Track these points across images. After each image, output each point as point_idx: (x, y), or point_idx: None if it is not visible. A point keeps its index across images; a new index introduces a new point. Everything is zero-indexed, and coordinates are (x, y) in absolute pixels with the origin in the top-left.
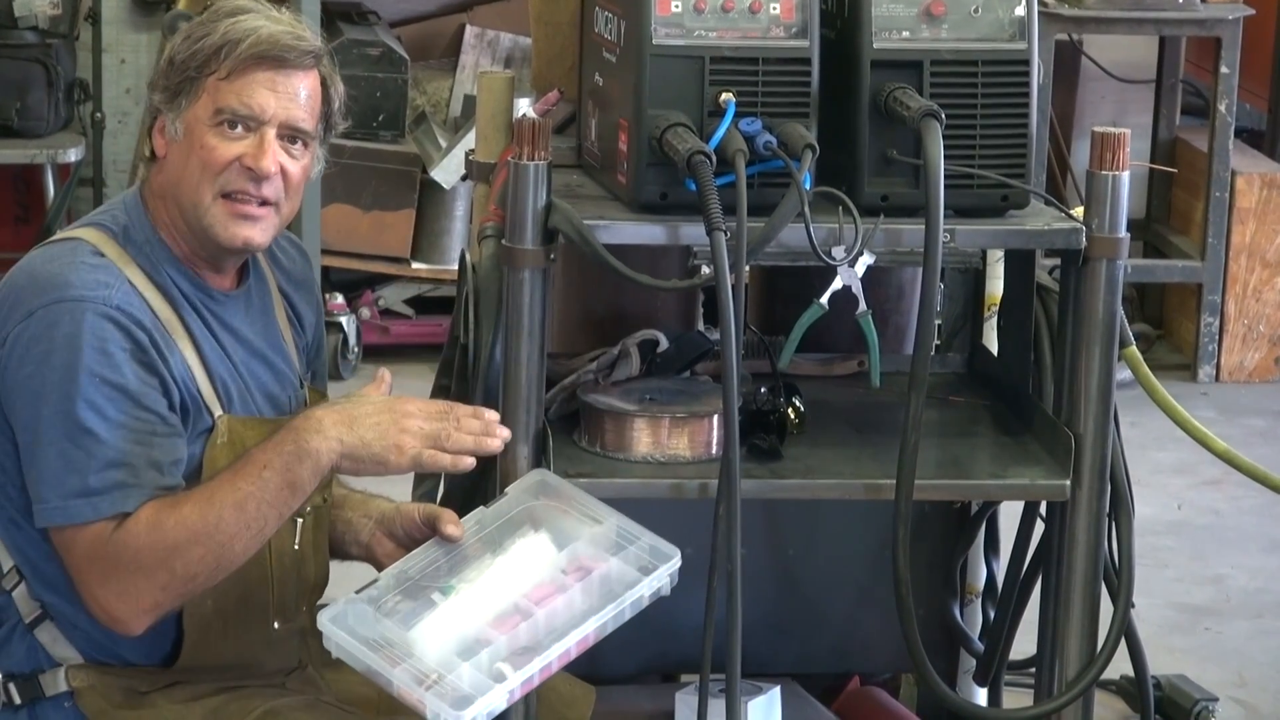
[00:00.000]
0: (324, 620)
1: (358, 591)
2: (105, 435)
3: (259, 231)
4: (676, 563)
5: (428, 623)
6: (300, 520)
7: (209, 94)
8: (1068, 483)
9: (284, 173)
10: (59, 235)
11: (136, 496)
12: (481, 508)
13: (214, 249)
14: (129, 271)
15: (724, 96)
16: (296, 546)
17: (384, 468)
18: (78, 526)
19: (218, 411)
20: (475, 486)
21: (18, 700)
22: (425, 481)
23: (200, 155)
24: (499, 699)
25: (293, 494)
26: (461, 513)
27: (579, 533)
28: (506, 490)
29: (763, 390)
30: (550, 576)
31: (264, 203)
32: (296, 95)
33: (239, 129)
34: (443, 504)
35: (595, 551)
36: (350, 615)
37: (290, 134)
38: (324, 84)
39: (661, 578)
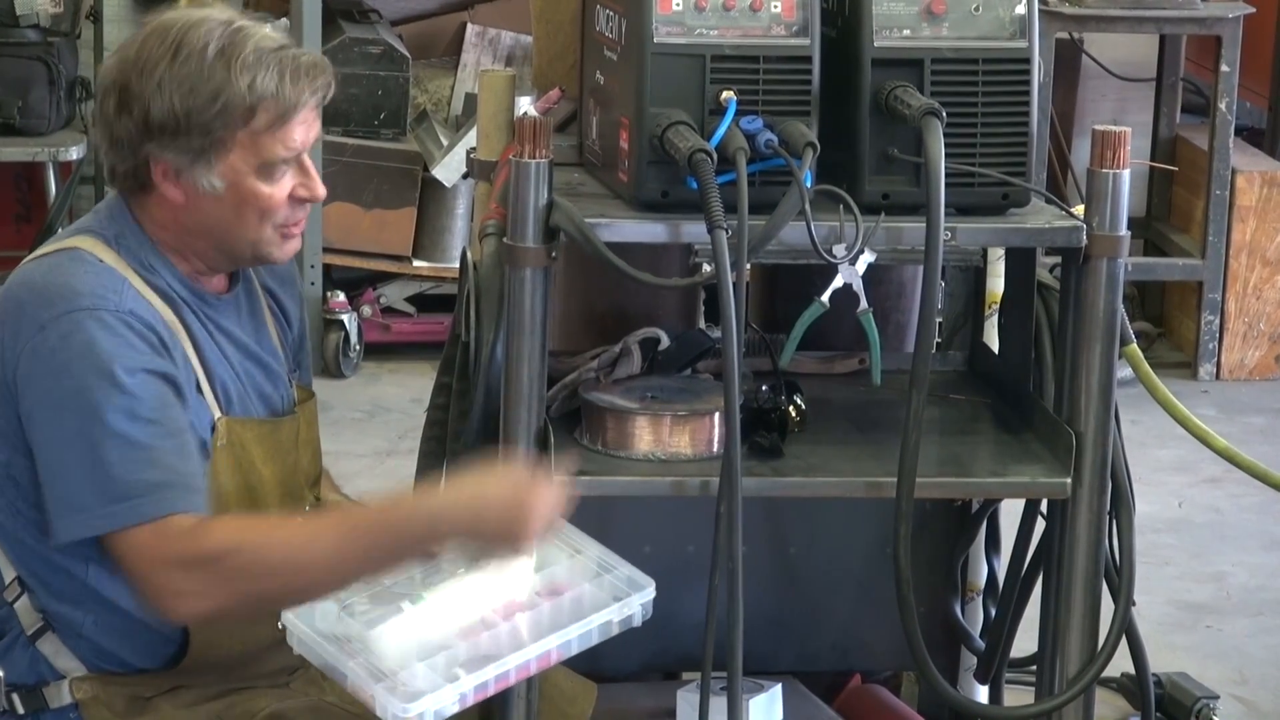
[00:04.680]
0: (288, 615)
1: None
2: (141, 437)
3: (300, 239)
4: (650, 593)
5: (391, 625)
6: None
7: (245, 148)
8: (1068, 480)
9: None
10: (51, 247)
11: (187, 497)
12: None
13: (248, 264)
14: (128, 275)
15: (725, 95)
16: None
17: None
18: (136, 527)
19: (216, 414)
20: None
21: (21, 710)
22: (427, 480)
23: (256, 205)
24: (449, 698)
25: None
26: None
27: (557, 559)
28: None
29: (764, 388)
30: (521, 595)
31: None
32: (318, 113)
33: (283, 167)
34: None
35: (571, 577)
36: (316, 612)
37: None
38: None
39: (633, 605)
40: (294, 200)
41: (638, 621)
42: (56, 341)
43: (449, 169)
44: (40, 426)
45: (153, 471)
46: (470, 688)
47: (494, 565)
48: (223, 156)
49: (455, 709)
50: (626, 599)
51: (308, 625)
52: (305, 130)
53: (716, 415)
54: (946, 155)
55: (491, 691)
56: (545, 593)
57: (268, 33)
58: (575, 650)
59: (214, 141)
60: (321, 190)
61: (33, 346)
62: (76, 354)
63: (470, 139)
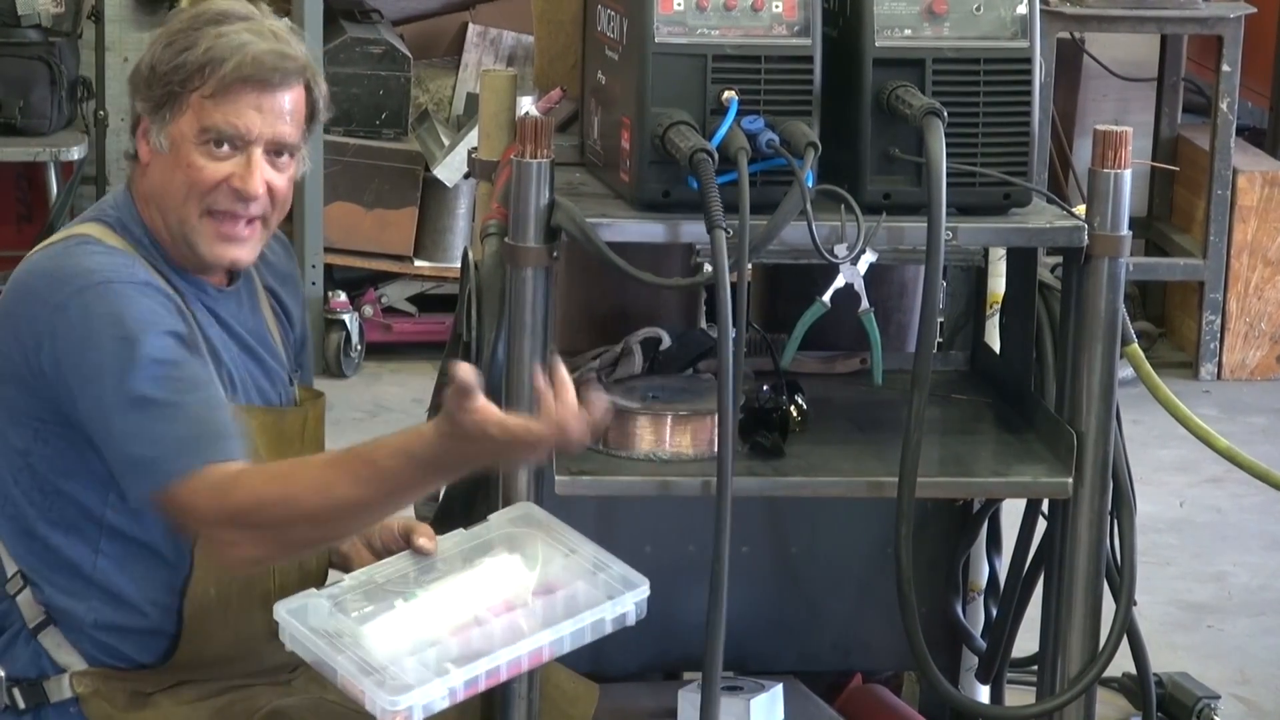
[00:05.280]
0: (280, 610)
1: (319, 589)
2: (167, 396)
3: (246, 250)
4: (645, 592)
5: (382, 621)
6: None
7: (193, 110)
8: (1070, 480)
9: (270, 188)
10: (59, 235)
11: (216, 446)
12: (461, 529)
13: (199, 261)
14: (136, 259)
15: (726, 94)
16: None
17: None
18: (173, 484)
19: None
20: (475, 492)
21: (22, 705)
22: None
23: (187, 174)
24: (439, 692)
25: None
26: (459, 519)
27: (552, 558)
28: (489, 517)
29: (765, 388)
30: (515, 594)
31: (250, 220)
32: (282, 113)
33: (225, 148)
34: (442, 508)
35: (565, 576)
36: (309, 609)
37: (276, 149)
38: (308, 90)
39: (626, 603)
40: (229, 190)
41: (631, 620)
42: (78, 316)
43: (450, 169)
44: (83, 402)
45: (180, 427)
46: (460, 682)
47: (490, 564)
48: (176, 116)
49: (445, 704)
50: (620, 597)
51: (300, 621)
52: (260, 118)
53: (717, 415)
54: (948, 155)
55: (482, 687)
56: (539, 591)
57: (279, 28)
58: (568, 648)
59: (169, 95)
60: (255, 188)
61: (53, 327)
62: (100, 325)
63: (472, 139)
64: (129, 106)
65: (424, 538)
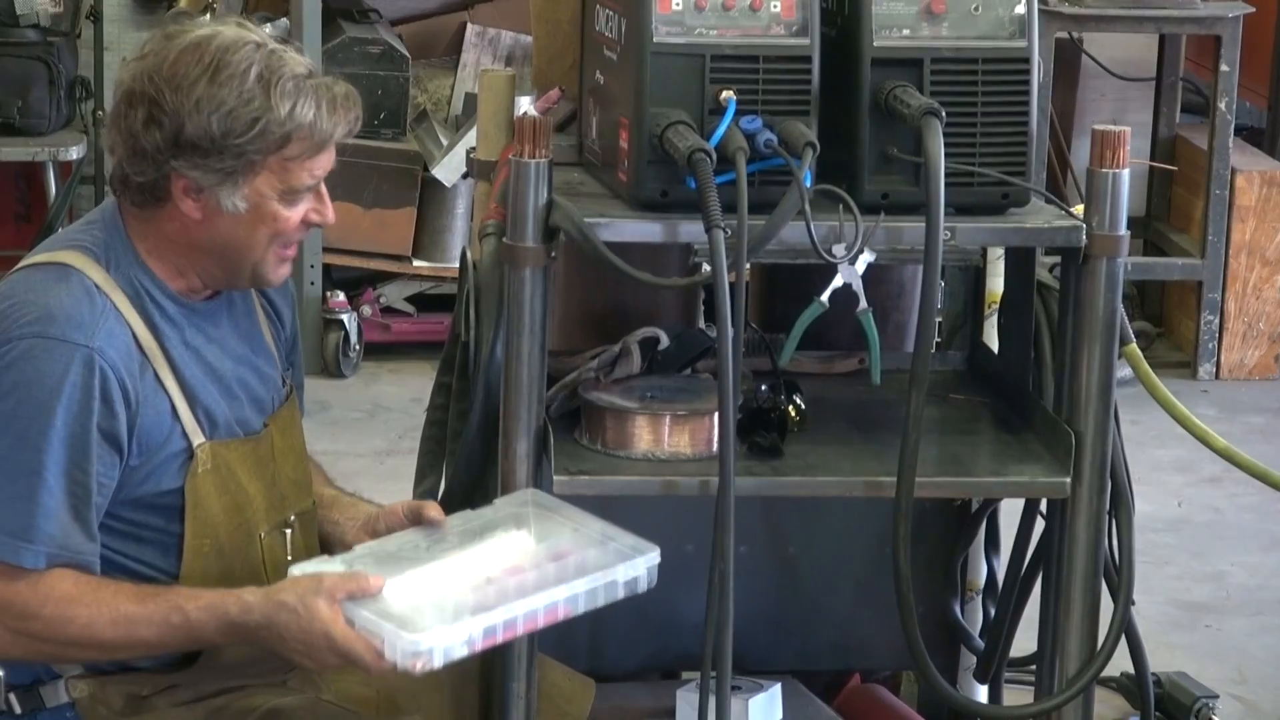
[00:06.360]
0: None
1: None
2: (53, 484)
3: (291, 265)
4: (656, 558)
5: (399, 579)
6: (289, 530)
7: (272, 171)
8: (1068, 480)
9: None
10: (44, 257)
11: (56, 558)
12: (468, 510)
13: (245, 285)
14: (115, 298)
15: (725, 94)
16: (289, 557)
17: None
18: (23, 566)
19: (198, 440)
20: (475, 486)
21: (19, 710)
22: (426, 479)
23: (273, 226)
24: (459, 637)
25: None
26: (460, 509)
27: (561, 532)
28: (495, 501)
29: (763, 388)
30: (527, 561)
31: None
32: (335, 148)
33: (304, 192)
34: (443, 502)
35: (575, 545)
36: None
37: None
38: None
39: (638, 567)
40: (304, 224)
41: (643, 585)
42: (14, 358)
43: (449, 169)
44: None
45: (43, 522)
46: (479, 630)
47: (500, 536)
48: (250, 179)
49: (464, 650)
50: (631, 560)
51: None
52: (327, 157)
53: (716, 415)
54: (946, 155)
55: (500, 639)
56: (550, 557)
57: (296, 57)
58: (582, 607)
59: (245, 164)
60: (333, 216)
61: None
62: (25, 378)
63: (470, 139)
64: (116, 131)
65: (433, 511)
